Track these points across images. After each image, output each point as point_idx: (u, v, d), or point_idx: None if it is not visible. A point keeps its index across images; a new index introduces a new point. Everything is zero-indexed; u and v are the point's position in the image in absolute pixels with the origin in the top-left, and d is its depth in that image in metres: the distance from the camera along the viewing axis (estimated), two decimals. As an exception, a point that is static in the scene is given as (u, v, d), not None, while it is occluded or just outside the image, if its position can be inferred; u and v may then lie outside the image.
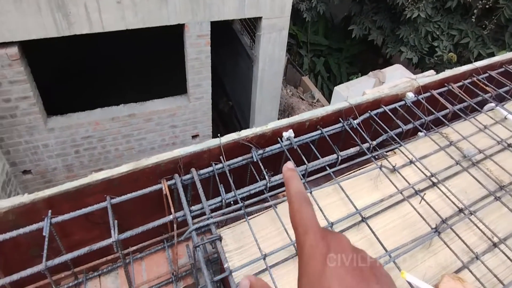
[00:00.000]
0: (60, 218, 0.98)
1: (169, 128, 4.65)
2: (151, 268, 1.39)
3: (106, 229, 1.29)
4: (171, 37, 5.04)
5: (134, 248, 1.28)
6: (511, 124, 1.90)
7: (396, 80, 1.82)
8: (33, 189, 4.63)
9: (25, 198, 0.96)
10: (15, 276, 0.86)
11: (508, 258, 1.17)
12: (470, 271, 1.08)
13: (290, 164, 0.45)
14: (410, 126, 1.65)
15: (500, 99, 2.07)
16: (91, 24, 3.60)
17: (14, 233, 0.93)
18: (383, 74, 5.84)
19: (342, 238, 0.41)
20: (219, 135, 1.20)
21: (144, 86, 6.24)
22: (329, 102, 8.70)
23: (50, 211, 0.98)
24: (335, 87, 4.94)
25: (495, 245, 1.21)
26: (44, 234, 0.94)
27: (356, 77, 8.42)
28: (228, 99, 7.32)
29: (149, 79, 6.60)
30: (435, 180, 1.48)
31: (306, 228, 0.40)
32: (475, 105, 1.94)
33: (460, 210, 1.39)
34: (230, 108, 7.28)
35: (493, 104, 1.98)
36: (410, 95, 1.82)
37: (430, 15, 6.22)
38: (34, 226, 0.95)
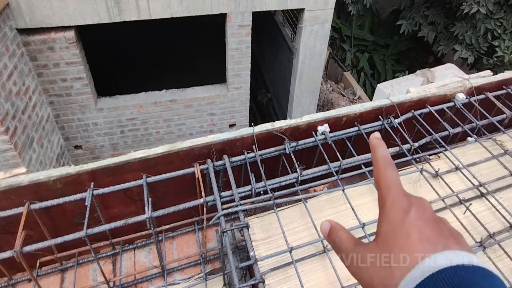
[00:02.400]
0: (101, 190, 1.04)
1: (208, 116, 4.76)
2: (181, 248, 1.44)
3: (142, 206, 1.37)
4: (213, 26, 5.12)
5: (167, 227, 1.34)
6: None
7: (446, 80, 1.69)
8: (82, 164, 5.04)
9: (72, 169, 1.03)
10: (59, 239, 0.94)
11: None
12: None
13: (377, 134, 0.48)
14: (458, 129, 1.53)
15: None
16: (139, 11, 3.76)
17: (61, 200, 1.01)
18: (432, 74, 5.47)
19: (424, 201, 0.41)
20: (252, 124, 1.20)
21: (186, 73, 6.42)
22: (371, 100, 8.36)
23: (92, 183, 1.05)
24: (378, 84, 4.72)
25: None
26: (86, 204, 1.02)
27: (402, 76, 7.98)
28: (266, 91, 7.31)
29: (191, 67, 6.78)
30: (483, 191, 1.36)
31: (390, 185, 0.41)
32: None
33: None
34: (268, 100, 7.28)
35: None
36: (461, 97, 1.68)
37: (491, 10, 5.68)
38: (78, 196, 1.02)
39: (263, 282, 0.91)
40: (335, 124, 1.38)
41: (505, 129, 1.64)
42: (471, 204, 1.31)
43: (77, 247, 1.28)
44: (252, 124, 1.20)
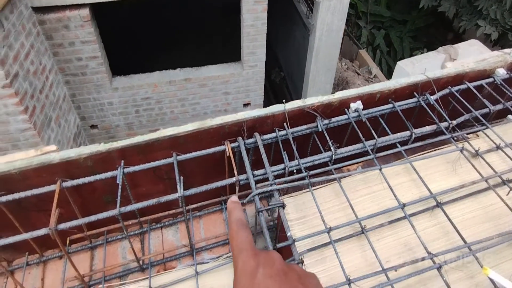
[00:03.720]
0: (131, 168, 1.02)
1: (222, 95, 4.70)
2: (208, 227, 1.43)
3: (170, 184, 1.35)
4: (230, 4, 4.95)
5: (194, 206, 1.32)
6: None
7: (485, 54, 1.58)
8: (99, 143, 5.09)
9: (102, 147, 1.01)
10: (92, 218, 0.93)
11: None
12: None
13: (234, 198, 0.55)
14: (499, 106, 1.44)
15: None
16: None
17: (92, 178, 0.99)
18: (455, 50, 5.23)
19: (273, 255, 0.44)
20: (283, 101, 1.15)
21: (201, 52, 6.30)
22: (388, 79, 8.11)
23: (122, 161, 1.02)
24: (397, 62, 4.54)
25: None
26: (117, 182, 0.99)
27: (421, 53, 7.69)
28: (280, 70, 7.16)
29: (206, 46, 6.64)
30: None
31: (241, 248, 0.45)
32: None
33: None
34: (281, 79, 7.14)
35: None
36: (501, 72, 1.58)
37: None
38: (109, 174, 1.00)
39: (302, 262, 0.89)
40: (368, 101, 1.31)
41: (547, 106, 1.54)
42: (513, 185, 1.25)
43: (106, 225, 1.28)
44: (284, 101, 1.15)
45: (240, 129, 1.13)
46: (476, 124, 1.46)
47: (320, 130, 1.19)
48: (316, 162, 1.15)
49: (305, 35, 4.82)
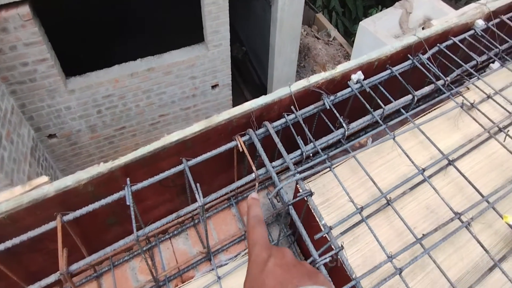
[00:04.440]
0: (140, 185, 0.91)
1: (189, 80, 4.48)
2: (219, 226, 1.37)
3: (176, 191, 1.25)
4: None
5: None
6: None
7: (464, 8, 1.60)
8: (60, 153, 4.68)
9: (102, 167, 0.89)
10: (108, 249, 0.83)
11: None
12: None
13: (254, 194, 0.58)
14: (484, 57, 1.47)
15: None
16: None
17: (96, 205, 0.88)
18: (410, 4, 5.33)
19: (285, 250, 0.47)
20: (289, 83, 1.07)
21: (161, 37, 5.85)
22: (346, 39, 8.18)
23: (128, 179, 0.91)
24: (360, 23, 4.55)
25: None
26: (128, 203, 0.89)
27: (376, 11, 7.78)
28: (241, 45, 6.94)
29: (166, 30, 6.18)
30: (518, 117, 1.35)
31: (255, 242, 0.47)
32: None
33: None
34: (244, 54, 6.94)
35: None
36: (480, 23, 1.60)
37: None
38: (115, 196, 0.89)
39: (343, 248, 0.86)
40: (368, 70, 1.27)
41: (523, 50, 1.60)
42: (508, 130, 1.30)
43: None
44: (289, 83, 1.07)
45: (249, 121, 1.05)
46: (465, 78, 1.49)
47: (328, 107, 1.14)
48: (330, 142, 1.11)
49: (266, 7, 4.65)
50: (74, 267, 0.82)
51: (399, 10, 4.95)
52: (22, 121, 3.92)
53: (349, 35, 8.71)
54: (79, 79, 3.98)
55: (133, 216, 0.88)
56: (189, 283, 1.18)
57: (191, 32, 4.59)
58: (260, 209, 0.56)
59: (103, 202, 0.89)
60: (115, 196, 0.90)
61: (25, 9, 3.14)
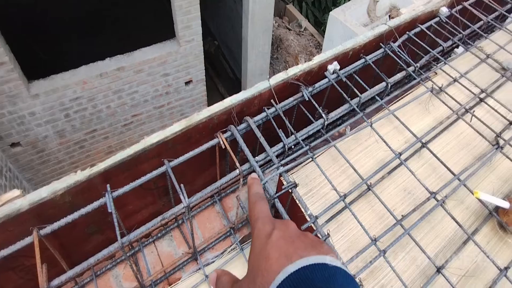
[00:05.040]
0: (121, 190, 0.88)
1: (161, 77, 4.37)
2: (204, 224, 1.36)
3: (158, 194, 1.22)
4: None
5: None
6: (539, 29, 1.82)
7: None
8: (25, 161, 4.42)
9: (80, 175, 0.85)
10: (91, 260, 0.80)
11: None
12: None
13: (253, 175, 0.59)
14: (449, 43, 1.54)
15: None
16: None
17: (76, 215, 0.84)
18: (376, -9, 5.44)
19: (289, 222, 0.47)
20: (268, 77, 1.07)
21: (132, 35, 5.63)
22: (317, 30, 8.27)
23: (108, 185, 0.88)
24: (330, 12, 4.60)
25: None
26: (109, 210, 0.86)
27: (344, 0, 7.89)
28: (213, 39, 6.84)
29: (135, 27, 5.94)
30: (482, 96, 1.43)
31: (258, 217, 0.48)
32: (506, 13, 1.82)
33: (511, 123, 1.38)
34: (216, 48, 6.85)
35: (521, 9, 1.86)
36: (444, 10, 1.67)
37: None
38: (95, 204, 0.86)
39: (329, 235, 0.88)
40: (343, 60, 1.29)
41: (484, 34, 1.69)
42: (474, 111, 1.37)
43: (89, 257, 1.13)
44: (268, 77, 1.07)
45: (230, 117, 1.04)
46: (433, 63, 1.55)
47: (307, 99, 1.15)
48: (311, 132, 1.12)
49: (236, 0, 4.59)
50: (55, 282, 0.79)
51: (366, -1, 5.06)
52: (-18, 130, 3.68)
53: (319, 25, 8.80)
54: (43, 82, 3.77)
55: (116, 223, 0.85)
56: (176, 285, 1.16)
57: (161, 28, 4.47)
58: (260, 186, 0.55)
59: (83, 211, 0.85)
60: (95, 204, 0.87)
61: (-23, 10, 2.92)
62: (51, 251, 0.92)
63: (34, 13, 5.68)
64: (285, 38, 7.58)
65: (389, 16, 5.34)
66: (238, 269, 1.23)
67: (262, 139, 1.01)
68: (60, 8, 5.72)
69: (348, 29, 4.30)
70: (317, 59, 1.19)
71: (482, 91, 1.40)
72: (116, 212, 0.98)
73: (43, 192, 0.82)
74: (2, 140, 3.99)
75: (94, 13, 5.87)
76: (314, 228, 0.92)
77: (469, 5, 1.77)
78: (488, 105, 1.43)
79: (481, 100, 1.44)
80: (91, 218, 1.01)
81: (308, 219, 0.93)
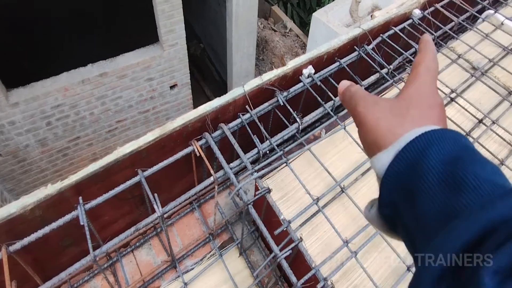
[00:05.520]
0: (94, 202, 0.88)
1: (145, 82, 4.33)
2: (183, 232, 1.36)
3: (135, 203, 1.22)
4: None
5: (165, 215, 1.23)
6: (509, 29, 1.88)
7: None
8: (6, 172, 4.31)
9: (50, 189, 0.84)
10: (62, 275, 0.79)
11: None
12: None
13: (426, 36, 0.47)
14: (422, 44, 1.58)
15: (495, 5, 2.02)
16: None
17: (46, 230, 0.83)
18: (357, -8, 5.52)
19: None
20: (242, 83, 1.08)
21: (113, 40, 5.56)
22: (301, 30, 8.33)
23: (80, 197, 0.87)
24: (313, 14, 4.65)
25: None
26: (82, 223, 0.85)
27: (329, 1, 7.97)
28: (198, 42, 6.81)
29: (118, 31, 5.86)
30: (453, 96, 1.47)
31: (432, 69, 0.44)
32: (476, 14, 1.88)
33: (480, 121, 1.42)
34: (202, 51, 6.83)
35: (491, 11, 1.93)
36: (417, 12, 1.72)
37: None
38: (67, 217, 0.85)
39: (302, 240, 0.90)
40: (318, 63, 1.31)
41: (454, 35, 1.74)
42: (445, 111, 1.42)
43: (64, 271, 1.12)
44: (242, 83, 1.08)
45: (205, 124, 1.04)
46: (407, 64, 1.59)
47: (281, 104, 1.16)
48: (286, 137, 1.14)
49: (221, 2, 4.58)
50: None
51: (349, 0, 5.12)
52: (-40, 141, 3.58)
53: (305, 25, 8.86)
54: (22, 90, 3.69)
55: (88, 236, 0.84)
56: (157, 294, 1.16)
57: (145, 32, 4.43)
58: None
59: (53, 225, 0.84)
60: (67, 217, 0.86)
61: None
62: (24, 266, 0.90)
63: (15, 15, 5.57)
64: (271, 39, 7.60)
65: (371, 16, 5.43)
66: (217, 275, 1.23)
67: (236, 146, 1.02)
68: (43, 11, 5.62)
69: (331, 30, 4.35)
70: (292, 64, 1.21)
71: (452, 91, 1.45)
72: (91, 224, 0.97)
73: (12, 208, 0.81)
74: (-18, 151, 3.89)
75: (78, 17, 5.79)
76: (288, 232, 0.93)
77: (441, 6, 1.82)
78: (459, 104, 1.47)
79: (452, 99, 1.49)
80: (64, 231, 1.00)
81: (282, 223, 0.94)
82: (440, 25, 1.70)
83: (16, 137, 3.99)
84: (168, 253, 1.22)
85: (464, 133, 1.33)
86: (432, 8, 1.78)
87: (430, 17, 1.72)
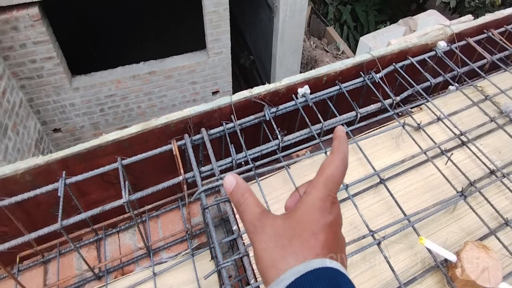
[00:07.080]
0: (74, 178, 1.00)
1: (189, 85, 4.61)
2: (166, 225, 1.44)
3: (121, 188, 1.33)
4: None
5: (150, 206, 1.32)
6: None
7: (427, 28, 1.63)
8: (64, 147, 4.89)
9: (40, 159, 0.98)
10: (33, 235, 0.91)
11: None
12: (498, 238, 1.02)
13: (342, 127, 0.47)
14: (440, 79, 1.50)
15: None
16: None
17: (31, 193, 0.97)
18: (414, 22, 5.33)
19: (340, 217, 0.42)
20: (230, 94, 1.14)
21: (165, 42, 6.08)
22: (354, 54, 8.19)
23: (64, 172, 1.00)
24: (360, 38, 4.59)
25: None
26: (59, 194, 0.98)
27: (384, 26, 7.77)
28: (249, 53, 7.07)
29: (169, 35, 6.41)
30: (464, 139, 1.36)
31: (337, 182, 0.42)
32: (517, 54, 1.73)
33: (492, 172, 1.29)
34: (251, 63, 7.06)
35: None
36: (442, 44, 1.63)
37: None
38: (49, 187, 0.98)
39: (248, 255, 0.92)
40: (316, 84, 1.33)
41: (486, 74, 1.61)
42: (452, 154, 1.31)
43: (58, 237, 1.26)
44: (230, 92, 1.15)
45: (187, 126, 1.12)
46: (419, 98, 1.52)
47: (268, 119, 1.20)
48: (265, 152, 1.17)
49: (270, 17, 4.75)
50: (2, 247, 0.90)
51: (402, 28, 4.96)
52: (30, 114, 4.14)
53: (359, 49, 8.70)
54: (83, 78, 4.18)
55: (61, 206, 0.96)
56: (127, 276, 1.25)
57: (196, 39, 4.76)
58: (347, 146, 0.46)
59: (38, 191, 0.98)
60: (50, 187, 0.99)
61: (35, 10, 3.36)
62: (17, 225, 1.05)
63: (89, 17, 6.36)
64: (321, 59, 7.60)
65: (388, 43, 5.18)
66: (187, 273, 1.28)
67: (210, 151, 1.08)
68: (110, 14, 6.34)
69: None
70: (286, 81, 1.24)
71: (462, 134, 1.34)
72: (75, 197, 1.10)
73: (6, 169, 0.96)
74: (47, 125, 4.46)
75: (136, 20, 6.41)
76: (238, 243, 0.95)
77: (475, 41, 1.71)
78: (471, 150, 1.35)
79: (464, 143, 1.37)
80: (54, 199, 1.13)
81: (234, 234, 0.97)
82: (468, 61, 1.61)
83: (75, 117, 4.51)
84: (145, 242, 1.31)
85: (468, 182, 1.22)
86: (463, 42, 1.68)
87: (457, 51, 1.63)
